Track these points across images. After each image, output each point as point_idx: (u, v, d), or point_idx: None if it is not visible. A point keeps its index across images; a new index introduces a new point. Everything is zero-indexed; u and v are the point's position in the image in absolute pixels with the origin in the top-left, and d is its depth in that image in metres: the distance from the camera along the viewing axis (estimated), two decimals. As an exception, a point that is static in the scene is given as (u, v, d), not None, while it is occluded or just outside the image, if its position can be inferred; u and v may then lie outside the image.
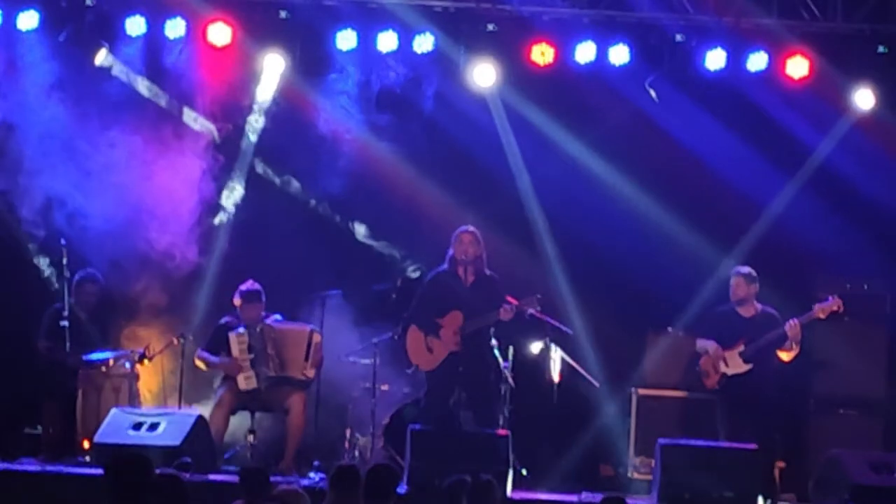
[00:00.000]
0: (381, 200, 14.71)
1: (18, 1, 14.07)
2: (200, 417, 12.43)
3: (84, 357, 13.20)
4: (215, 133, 14.59)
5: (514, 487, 11.97)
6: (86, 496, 10.86)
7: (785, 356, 12.69)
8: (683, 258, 14.21)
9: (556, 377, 13.33)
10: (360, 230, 14.80)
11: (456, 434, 12.35)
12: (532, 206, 14.52)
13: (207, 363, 13.14)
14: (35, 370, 13.44)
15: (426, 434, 12.06)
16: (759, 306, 12.87)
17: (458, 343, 12.59)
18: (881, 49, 13.92)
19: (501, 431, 12.34)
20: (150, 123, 14.42)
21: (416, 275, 14.37)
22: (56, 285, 13.68)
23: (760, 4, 13.83)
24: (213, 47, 14.13)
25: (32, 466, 12.20)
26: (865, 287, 13.87)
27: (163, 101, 14.59)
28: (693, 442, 12.26)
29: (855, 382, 13.77)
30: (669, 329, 14.10)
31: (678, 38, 14.00)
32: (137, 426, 12.18)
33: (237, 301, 13.13)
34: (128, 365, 13.20)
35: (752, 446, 12.05)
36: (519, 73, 14.19)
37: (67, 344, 13.10)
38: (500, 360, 12.97)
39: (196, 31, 14.11)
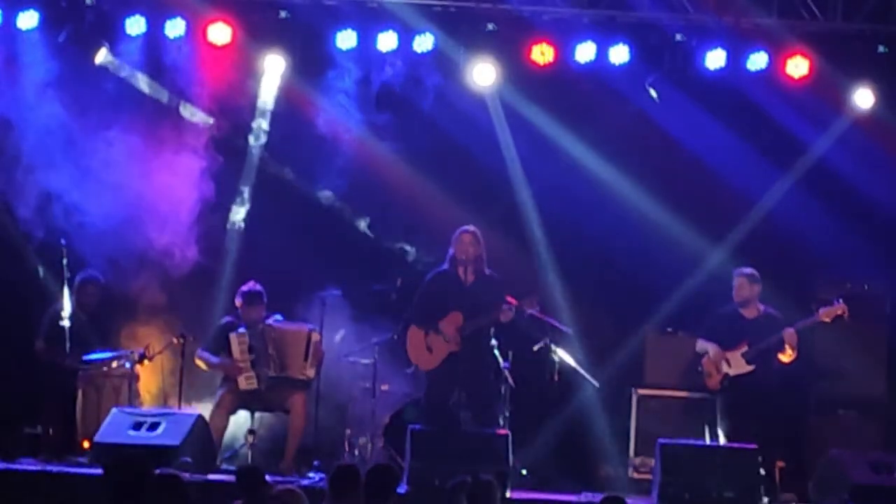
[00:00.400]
0: (382, 200, 14.72)
1: (18, 1, 14.07)
2: (200, 417, 12.43)
3: (84, 357, 13.19)
4: (212, 123, 14.58)
5: (514, 487, 11.95)
6: (86, 496, 10.86)
7: (784, 358, 12.69)
8: (683, 258, 14.22)
9: (555, 377, 13.35)
10: (361, 228, 14.79)
11: (456, 434, 12.35)
12: (531, 206, 14.52)
13: (208, 363, 13.13)
14: (35, 370, 13.44)
15: (426, 434, 12.06)
16: (761, 307, 12.87)
17: (458, 343, 12.58)
18: (881, 49, 13.93)
19: (501, 431, 12.33)
20: (149, 122, 14.42)
21: (424, 260, 14.36)
22: (56, 285, 13.66)
23: (760, 4, 13.84)
24: (213, 47, 14.14)
25: (32, 466, 12.19)
26: (865, 287, 13.87)
27: (163, 98, 14.58)
28: (693, 442, 12.26)
29: (855, 382, 13.77)
30: (669, 329, 14.10)
31: (678, 38, 14.02)
32: (137, 426, 12.17)
33: (238, 302, 13.13)
34: (128, 365, 13.20)
35: (752, 446, 12.05)
36: (519, 73, 14.19)
37: (67, 344, 13.09)
38: (500, 360, 12.98)
39: (196, 30, 14.12)
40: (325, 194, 14.81)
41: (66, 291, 13.27)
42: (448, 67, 14.29)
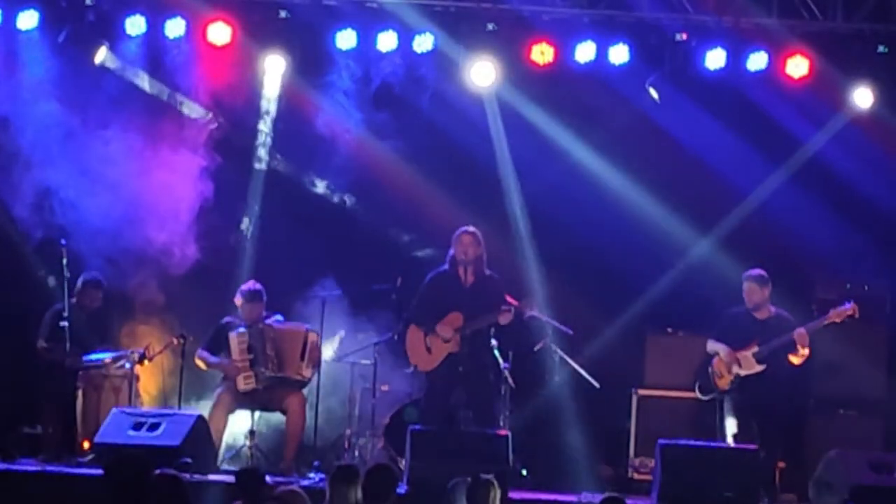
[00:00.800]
0: (381, 199, 14.72)
1: (18, 1, 14.06)
2: (200, 417, 12.42)
3: (84, 357, 13.19)
4: (212, 122, 14.58)
5: (514, 487, 11.95)
6: (86, 496, 10.86)
7: (795, 360, 12.70)
8: (684, 258, 14.22)
9: (555, 377, 13.36)
10: (362, 227, 14.79)
11: (456, 434, 12.35)
12: (531, 206, 14.52)
13: (207, 363, 13.15)
14: (35, 370, 13.44)
15: (426, 434, 12.05)
16: (772, 309, 12.86)
17: (458, 343, 12.58)
18: (881, 49, 13.92)
19: (501, 431, 12.33)
20: (149, 121, 14.42)
21: (423, 253, 14.37)
22: (56, 285, 13.66)
23: (760, 4, 13.83)
24: (212, 47, 14.14)
25: (32, 466, 12.18)
26: (865, 287, 13.86)
27: (163, 97, 14.58)
28: (693, 442, 12.26)
29: (855, 382, 13.77)
30: (669, 329, 14.10)
31: (678, 38, 14.01)
32: (137, 426, 12.16)
33: (238, 301, 13.14)
34: (128, 365, 13.20)
35: (753, 446, 12.05)
36: (519, 73, 14.19)
37: (67, 344, 13.08)
38: (500, 360, 12.97)
39: (196, 30, 14.12)
40: (324, 190, 14.84)
41: (66, 291, 13.26)
42: (448, 67, 14.29)
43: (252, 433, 13.07)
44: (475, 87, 14.26)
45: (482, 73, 14.14)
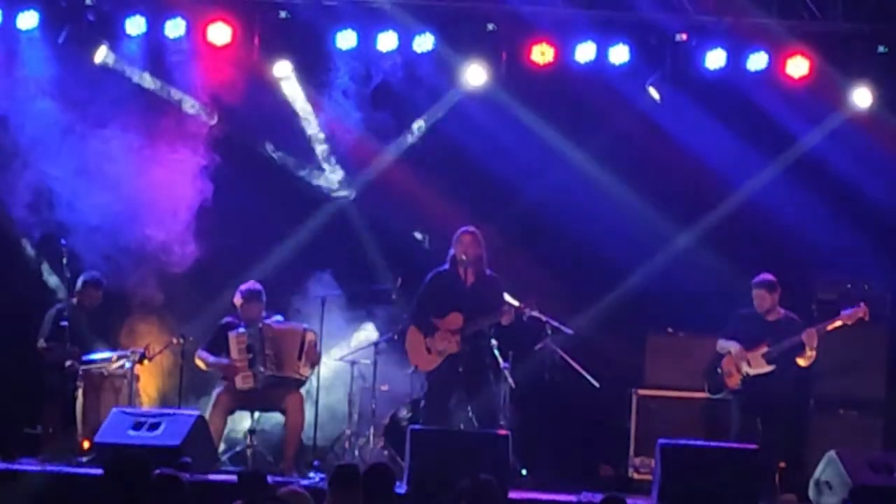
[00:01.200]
0: (382, 199, 14.73)
1: (18, 1, 14.06)
2: (200, 417, 12.42)
3: (84, 357, 13.19)
4: (212, 121, 14.59)
5: (514, 487, 11.95)
6: (86, 496, 10.85)
7: (802, 362, 12.72)
8: (683, 258, 14.22)
9: (555, 377, 13.36)
10: (362, 227, 14.80)
11: (456, 434, 12.35)
12: (531, 206, 14.52)
13: (206, 363, 13.16)
14: (35, 370, 13.44)
15: (426, 434, 12.05)
16: (781, 311, 12.89)
17: (458, 344, 12.58)
18: (881, 49, 13.92)
19: (501, 431, 12.32)
20: (148, 120, 14.43)
21: (423, 253, 14.38)
22: (57, 284, 13.66)
23: (760, 4, 13.83)
24: (212, 47, 14.14)
25: (32, 466, 12.18)
26: (865, 287, 13.87)
27: (163, 95, 14.58)
28: (693, 442, 12.25)
29: (855, 382, 13.77)
30: (669, 329, 14.10)
31: (678, 38, 14.01)
32: (137, 426, 12.16)
33: (238, 300, 13.15)
34: (128, 365, 13.20)
35: (753, 446, 12.05)
36: (519, 73, 14.19)
37: (68, 344, 13.08)
38: (500, 360, 12.98)
39: (196, 30, 14.12)
40: (324, 189, 14.86)
41: (66, 291, 13.26)
42: (448, 67, 14.29)
43: (252, 433, 13.08)
44: (475, 87, 14.26)
45: (482, 74, 14.14)
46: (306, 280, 14.12)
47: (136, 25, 14.11)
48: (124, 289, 14.21)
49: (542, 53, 14.01)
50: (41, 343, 13.40)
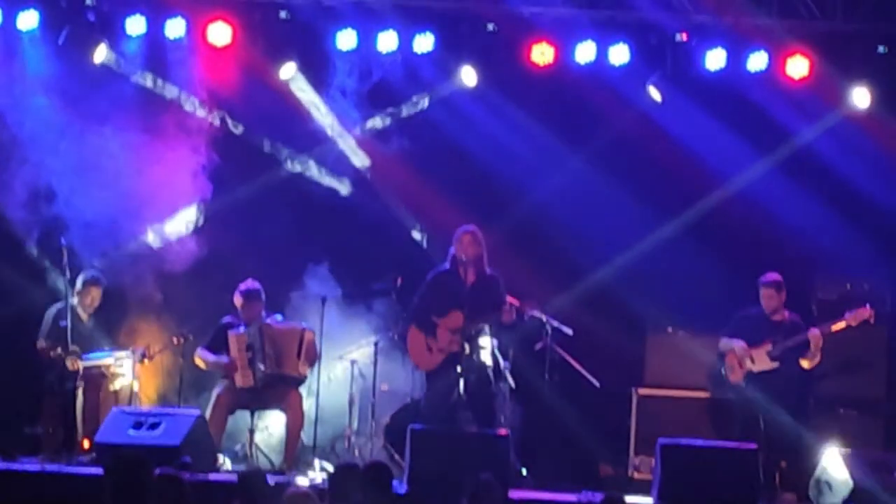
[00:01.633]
0: (382, 199, 14.73)
1: (18, 1, 14.06)
2: (200, 417, 12.43)
3: (84, 357, 13.19)
4: (212, 120, 14.60)
5: (514, 487, 11.95)
6: (86, 496, 10.84)
7: (805, 364, 12.73)
8: (683, 258, 14.22)
9: (555, 377, 13.37)
10: (362, 227, 14.79)
11: (456, 434, 12.34)
12: (531, 205, 14.52)
13: (205, 361, 13.17)
14: (35, 370, 13.43)
15: (426, 434, 12.04)
16: (787, 314, 12.92)
17: (459, 343, 12.58)
18: (881, 49, 13.92)
19: (501, 431, 12.33)
20: (148, 120, 14.42)
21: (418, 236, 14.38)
22: (57, 285, 13.65)
23: (760, 4, 13.84)
24: (212, 47, 14.15)
25: (32, 466, 12.17)
26: (865, 287, 13.87)
27: (163, 94, 14.59)
28: (693, 442, 12.25)
29: (855, 382, 13.77)
30: (669, 329, 14.10)
31: (678, 38, 14.01)
32: (137, 426, 12.17)
33: (238, 300, 13.16)
34: (128, 365, 13.19)
35: (753, 446, 12.05)
36: (519, 73, 14.18)
37: (68, 344, 13.08)
38: (500, 359, 12.98)
39: (196, 30, 14.12)
40: (324, 189, 14.88)
41: (66, 291, 13.26)
42: (448, 67, 14.30)
43: (252, 433, 13.08)
44: (475, 87, 14.27)
45: (482, 74, 14.16)
46: (304, 276, 14.10)
47: (136, 25, 14.11)
48: (124, 288, 14.20)
49: (542, 53, 14.01)
50: (41, 342, 13.39)
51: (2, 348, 13.94)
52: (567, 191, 14.40)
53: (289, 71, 14.39)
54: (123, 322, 14.06)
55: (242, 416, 13.17)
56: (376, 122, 14.79)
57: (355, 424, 13.72)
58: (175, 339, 13.29)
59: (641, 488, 12.99)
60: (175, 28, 14.11)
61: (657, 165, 14.38)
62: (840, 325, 12.76)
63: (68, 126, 14.23)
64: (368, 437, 13.58)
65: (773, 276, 12.93)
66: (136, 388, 13.23)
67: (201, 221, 14.54)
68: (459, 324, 12.56)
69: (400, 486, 11.12)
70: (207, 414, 12.77)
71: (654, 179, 14.43)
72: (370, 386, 13.65)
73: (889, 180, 14.14)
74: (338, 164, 14.91)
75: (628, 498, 9.84)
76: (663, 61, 14.12)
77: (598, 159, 14.43)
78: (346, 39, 14.12)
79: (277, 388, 13.03)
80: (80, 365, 13.09)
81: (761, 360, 12.81)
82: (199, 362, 13.20)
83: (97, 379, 13.18)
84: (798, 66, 13.90)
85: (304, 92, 14.65)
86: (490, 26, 14.08)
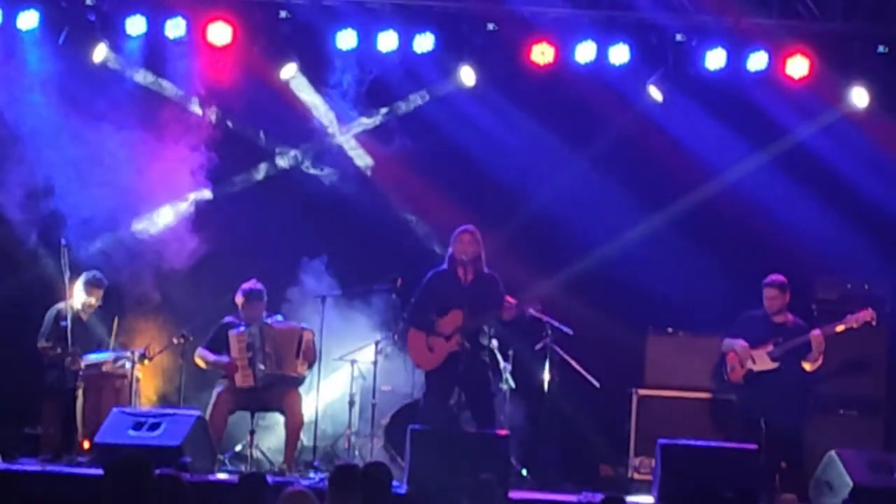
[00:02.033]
0: (382, 199, 14.74)
1: (18, 1, 14.07)
2: (200, 417, 12.43)
3: (84, 357, 13.19)
4: (205, 113, 14.61)
5: (514, 487, 11.95)
6: (86, 496, 10.84)
7: (808, 366, 12.74)
8: (684, 258, 14.22)
9: (555, 377, 13.37)
10: (362, 227, 14.79)
11: (456, 434, 12.34)
12: (530, 205, 14.52)
13: (206, 360, 13.17)
14: (35, 370, 13.43)
15: (426, 434, 12.04)
16: (789, 316, 12.92)
17: (459, 342, 12.58)
18: (881, 49, 13.92)
19: (501, 431, 12.33)
20: (148, 119, 14.42)
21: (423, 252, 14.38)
22: (57, 285, 13.66)
23: (760, 4, 13.84)
24: (212, 47, 14.15)
25: (32, 466, 12.18)
26: (865, 287, 13.87)
27: (162, 93, 14.59)
28: (693, 442, 12.25)
29: (855, 382, 13.77)
30: (669, 329, 14.10)
31: (678, 38, 14.02)
32: (137, 426, 12.17)
33: (239, 300, 13.17)
34: (128, 365, 13.20)
35: (753, 446, 12.05)
36: (519, 73, 14.18)
37: (68, 344, 13.08)
38: (500, 360, 12.98)
39: (196, 30, 14.13)
40: (325, 188, 14.89)
41: (66, 291, 13.25)
42: (448, 67, 14.30)
43: (252, 433, 13.08)
44: (475, 87, 14.27)
45: (482, 74, 14.16)
46: (304, 276, 14.10)
47: (136, 25, 14.11)
48: (125, 288, 14.21)
49: (542, 53, 14.01)
50: (41, 343, 13.39)
51: (2, 348, 13.94)
52: (567, 191, 14.40)
53: (289, 71, 14.41)
54: (124, 322, 14.05)
55: (242, 416, 13.17)
56: (376, 122, 14.80)
57: (355, 424, 13.71)
58: (175, 339, 13.29)
59: (641, 488, 13.01)
60: (175, 28, 14.11)
61: (657, 165, 14.39)
62: (842, 327, 12.76)
63: (68, 125, 14.22)
64: (368, 437, 13.57)
65: (777, 277, 12.93)
66: (136, 388, 13.22)
67: (191, 212, 14.52)
68: (459, 323, 12.55)
69: (400, 486, 11.12)
70: (207, 414, 12.77)
71: (653, 179, 14.44)
72: (370, 386, 13.65)
73: (890, 181, 14.14)
74: (338, 164, 14.92)
75: (628, 498, 9.86)
76: (663, 61, 14.12)
77: (598, 159, 14.44)
78: (346, 39, 14.12)
79: (277, 389, 13.04)
80: (81, 365, 13.09)
81: (762, 361, 12.82)
82: (199, 362, 13.21)
83: (97, 379, 13.18)
84: (798, 66, 13.89)
85: (304, 92, 14.65)
86: (490, 26, 14.08)
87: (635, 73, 14.16)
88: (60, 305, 13.30)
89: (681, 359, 13.76)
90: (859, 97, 13.96)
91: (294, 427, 12.98)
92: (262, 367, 12.99)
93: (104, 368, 13.19)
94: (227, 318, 13.25)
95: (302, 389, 13.24)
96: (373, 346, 13.68)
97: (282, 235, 14.37)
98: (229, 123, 14.74)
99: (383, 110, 14.78)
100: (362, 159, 14.89)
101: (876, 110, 14.02)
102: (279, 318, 13.34)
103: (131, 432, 12.11)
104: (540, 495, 12.18)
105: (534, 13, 14.01)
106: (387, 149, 14.82)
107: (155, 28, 14.16)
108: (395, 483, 9.37)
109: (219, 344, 13.15)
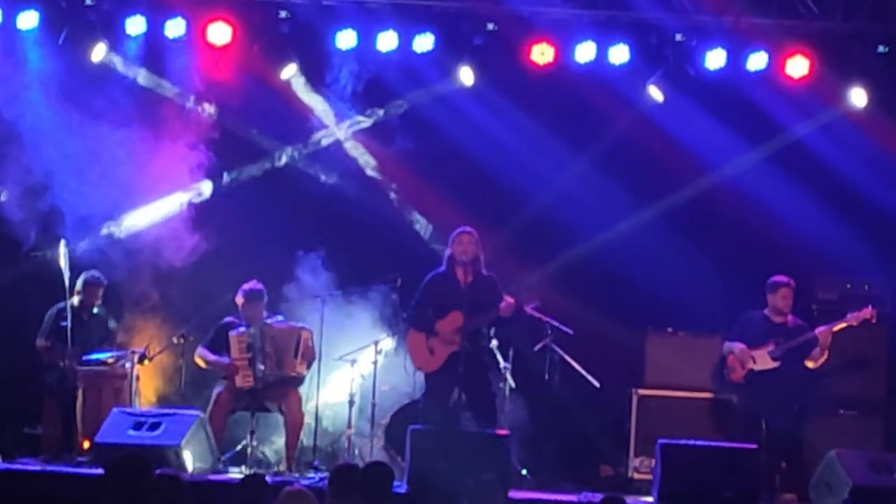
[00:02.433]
0: (381, 199, 14.74)
1: (18, 0, 14.07)
2: (200, 417, 12.44)
3: (84, 357, 13.19)
4: (205, 112, 14.61)
5: (514, 487, 11.95)
6: (86, 496, 10.85)
7: (810, 364, 12.76)
8: (684, 258, 14.22)
9: (555, 377, 13.37)
10: (362, 227, 14.79)
11: (456, 434, 12.34)
12: (530, 206, 14.52)
13: (206, 360, 13.17)
14: (35, 370, 13.44)
15: (426, 434, 12.05)
16: (789, 317, 12.94)
17: (459, 343, 12.58)
18: (881, 49, 13.92)
19: (501, 431, 12.33)
20: (147, 118, 14.42)
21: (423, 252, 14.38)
22: (57, 284, 13.66)
23: (760, 4, 13.84)
24: (212, 47, 14.15)
25: (32, 466, 12.19)
26: (865, 287, 13.87)
27: (162, 92, 14.59)
28: (693, 442, 12.26)
29: (855, 382, 13.77)
30: (669, 329, 14.10)
31: (678, 38, 14.01)
32: (137, 426, 12.18)
33: (239, 300, 13.17)
34: (128, 365, 13.20)
35: (753, 446, 12.05)
36: (519, 73, 14.18)
37: (69, 344, 13.08)
38: (500, 360, 12.98)
39: (196, 30, 14.12)
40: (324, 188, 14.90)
41: (66, 291, 13.26)
42: (448, 67, 14.30)
43: (252, 433, 13.07)
44: (475, 87, 14.28)
45: (482, 74, 14.17)
46: (303, 275, 14.09)
47: (136, 25, 14.11)
48: (124, 288, 14.21)
49: (542, 53, 14.01)
50: (40, 342, 13.40)
51: (2, 348, 13.94)
52: (567, 191, 14.39)
53: (289, 71, 14.41)
54: (124, 322, 14.06)
55: (242, 416, 13.17)
56: (375, 122, 14.79)
57: (355, 424, 13.71)
58: (175, 339, 13.29)
59: (641, 488, 13.01)
60: (175, 28, 14.11)
61: (657, 165, 14.38)
62: (842, 325, 12.78)
63: (67, 123, 14.21)
64: (368, 437, 13.57)
65: (786, 277, 12.95)
66: (136, 388, 13.22)
67: (189, 210, 14.52)
68: (459, 323, 12.55)
69: (400, 486, 11.12)
70: (207, 414, 12.77)
71: (653, 179, 14.44)
72: (370, 386, 13.65)
73: (890, 181, 14.14)
74: (337, 163, 14.91)
75: (628, 498, 9.85)
76: (663, 61, 14.11)
77: (598, 159, 14.43)
78: (346, 39, 14.12)
79: (277, 389, 13.04)
80: (80, 365, 13.09)
81: (763, 361, 12.83)
82: (199, 361, 13.21)
83: (97, 379, 13.18)
84: (798, 66, 13.89)
85: (303, 92, 14.65)
86: (490, 26, 14.07)
87: (635, 73, 14.16)
88: (60, 305, 13.30)
89: (681, 359, 13.77)
90: (859, 97, 13.96)
91: (294, 427, 12.99)
92: (262, 367, 13.00)
93: (104, 368, 13.18)
94: (228, 319, 13.25)
95: (302, 389, 13.24)
96: (373, 347, 13.66)
97: (281, 234, 14.34)
98: (229, 123, 14.73)
99: (383, 110, 14.78)
100: (362, 159, 14.89)
101: (876, 110, 14.02)
102: (279, 318, 13.33)
103: (131, 432, 12.13)
104: (540, 495, 12.19)
105: (534, 13, 14.00)
106: (386, 148, 14.82)
107: (155, 28, 14.16)
108: (395, 483, 9.36)
109: (219, 344, 13.16)
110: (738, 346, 12.88)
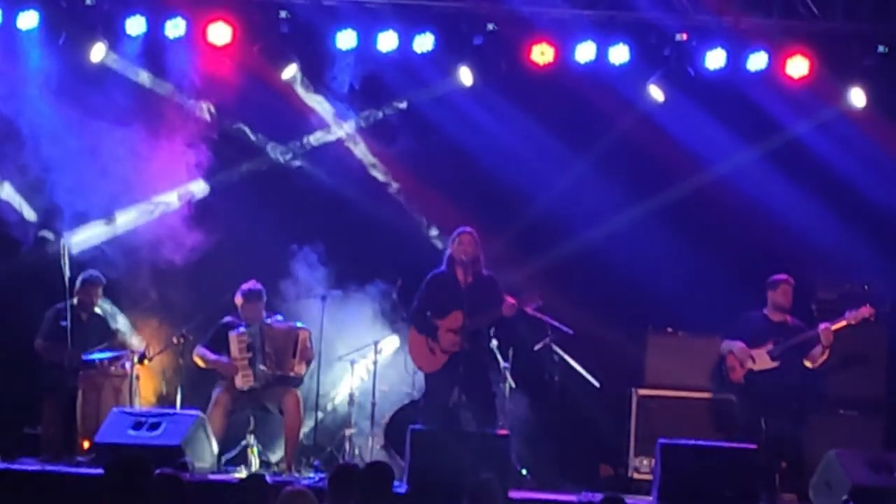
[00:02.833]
0: (381, 199, 14.74)
1: (18, 1, 14.07)
2: (200, 417, 12.44)
3: (83, 357, 13.19)
4: (205, 112, 14.62)
5: (514, 487, 11.95)
6: (86, 496, 10.86)
7: (809, 363, 12.77)
8: (684, 258, 14.22)
9: (555, 377, 13.37)
10: (362, 227, 14.80)
11: (456, 434, 12.34)
12: (530, 206, 14.52)
13: (205, 360, 13.16)
14: (35, 370, 13.44)
15: (426, 434, 12.04)
16: (788, 317, 12.95)
17: (459, 343, 12.58)
18: (881, 49, 13.92)
19: (501, 431, 12.33)
20: (146, 117, 14.42)
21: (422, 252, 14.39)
22: (57, 284, 13.67)
23: (760, 4, 13.84)
24: (212, 47, 14.15)
25: (32, 466, 12.18)
26: (865, 287, 13.87)
27: (161, 92, 14.59)
28: (693, 442, 12.26)
29: (855, 382, 13.77)
30: (669, 329, 14.10)
31: (678, 38, 14.01)
32: (137, 426, 12.18)
33: (239, 300, 13.16)
34: (128, 365, 13.20)
35: (753, 446, 12.05)
36: (519, 73, 14.19)
37: (68, 344, 13.08)
38: (500, 360, 12.98)
39: (196, 30, 14.12)
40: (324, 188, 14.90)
41: (66, 291, 13.26)
42: (448, 67, 14.30)
43: (252, 433, 13.07)
44: (475, 87, 14.28)
45: (482, 74, 14.17)
46: (303, 275, 14.09)
47: (136, 25, 14.11)
48: (124, 288, 14.21)
49: (542, 53, 14.01)
50: (39, 342, 13.40)
51: (2, 348, 13.94)
52: (567, 191, 14.40)
53: (290, 72, 14.41)
54: (123, 322, 14.06)
55: (242, 416, 13.16)
56: (375, 122, 14.80)
57: (355, 424, 13.71)
58: (175, 339, 13.29)
59: (641, 488, 13.01)
60: (175, 28, 14.11)
61: (657, 165, 14.39)
62: (841, 323, 12.78)
63: (68, 124, 14.22)
64: (368, 437, 13.57)
65: (785, 275, 12.96)
66: (135, 388, 13.23)
67: (188, 209, 14.53)
68: (459, 324, 12.56)
69: (400, 486, 11.12)
70: (207, 414, 12.76)
71: (653, 179, 14.44)
72: (370, 386, 13.64)
73: (890, 180, 14.15)
74: (338, 163, 14.91)
75: (628, 498, 9.85)
76: (663, 61, 14.11)
77: (598, 159, 14.44)
78: (346, 39, 14.12)
79: (276, 389, 13.05)
80: (80, 365, 13.09)
81: (762, 360, 12.84)
82: (198, 360, 13.19)
83: (97, 379, 13.18)
84: (798, 66, 13.89)
85: (303, 92, 14.66)
86: (490, 26, 14.07)
87: (635, 73, 14.15)
88: (60, 305, 13.30)
89: (681, 359, 13.77)
90: (859, 97, 13.96)
91: (293, 426, 12.99)
92: (262, 367, 13.00)
93: (104, 368, 13.18)
94: (227, 318, 13.25)
95: (301, 389, 13.24)
96: (373, 347, 13.66)
97: (280, 232, 14.35)
98: (228, 122, 14.73)
99: (382, 110, 14.79)
100: (362, 159, 14.89)
101: (876, 110, 14.02)
102: (279, 317, 13.33)
103: (131, 432, 12.12)
104: (540, 495, 12.19)
105: (533, 13, 14.00)
106: (386, 148, 14.83)
107: (155, 28, 14.15)
108: (395, 483, 9.36)
109: (218, 344, 13.15)
110: (738, 345, 12.88)
